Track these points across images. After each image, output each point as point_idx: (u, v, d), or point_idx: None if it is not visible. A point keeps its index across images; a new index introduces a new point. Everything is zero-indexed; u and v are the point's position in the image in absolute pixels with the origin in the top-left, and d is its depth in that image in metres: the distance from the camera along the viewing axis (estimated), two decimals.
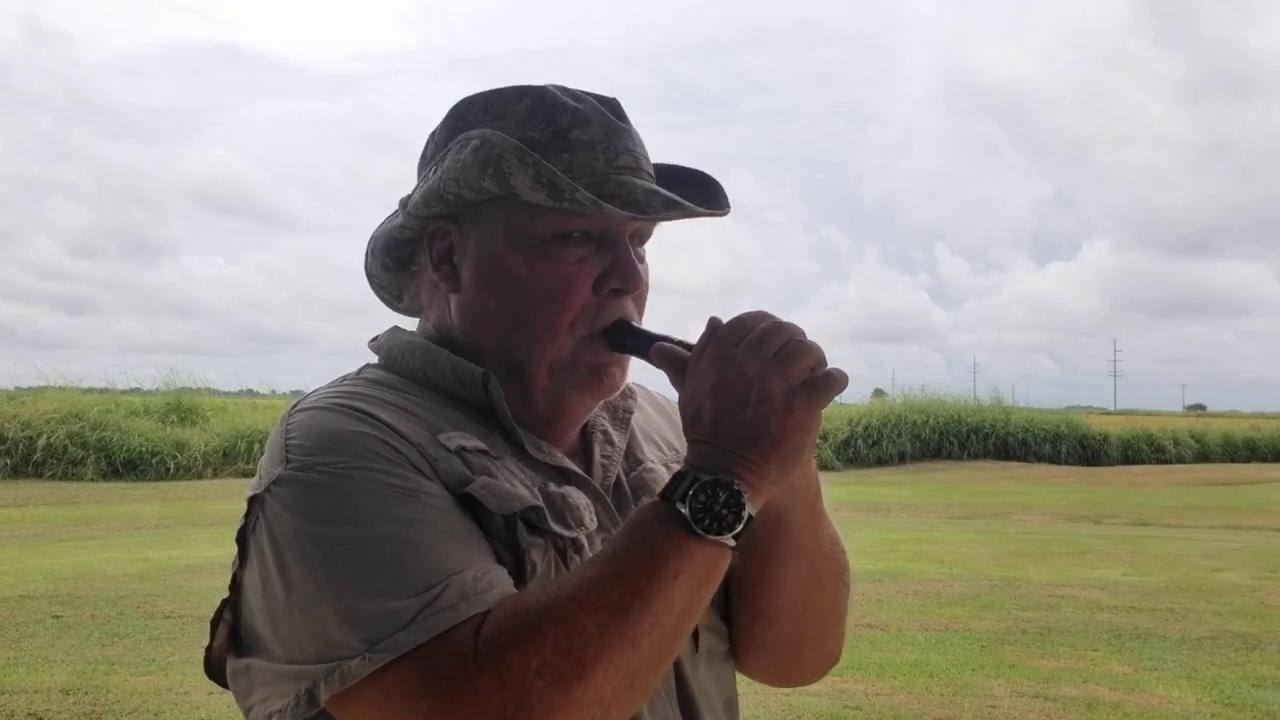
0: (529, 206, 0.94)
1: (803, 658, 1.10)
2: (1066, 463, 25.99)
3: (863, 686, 5.12)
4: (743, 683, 1.10)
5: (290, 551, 0.82)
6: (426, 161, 1.01)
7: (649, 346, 0.94)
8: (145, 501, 14.73)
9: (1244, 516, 14.15)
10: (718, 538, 0.82)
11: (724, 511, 0.82)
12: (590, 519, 0.93)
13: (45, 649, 5.64)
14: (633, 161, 0.97)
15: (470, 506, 0.87)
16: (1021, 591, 7.66)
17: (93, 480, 17.51)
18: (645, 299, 1.01)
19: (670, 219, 0.95)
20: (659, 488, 0.99)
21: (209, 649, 0.89)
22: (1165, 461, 27.07)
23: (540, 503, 0.90)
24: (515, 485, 0.90)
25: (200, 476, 18.26)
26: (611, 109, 0.98)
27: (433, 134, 1.02)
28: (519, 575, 0.86)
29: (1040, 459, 26.01)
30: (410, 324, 1.08)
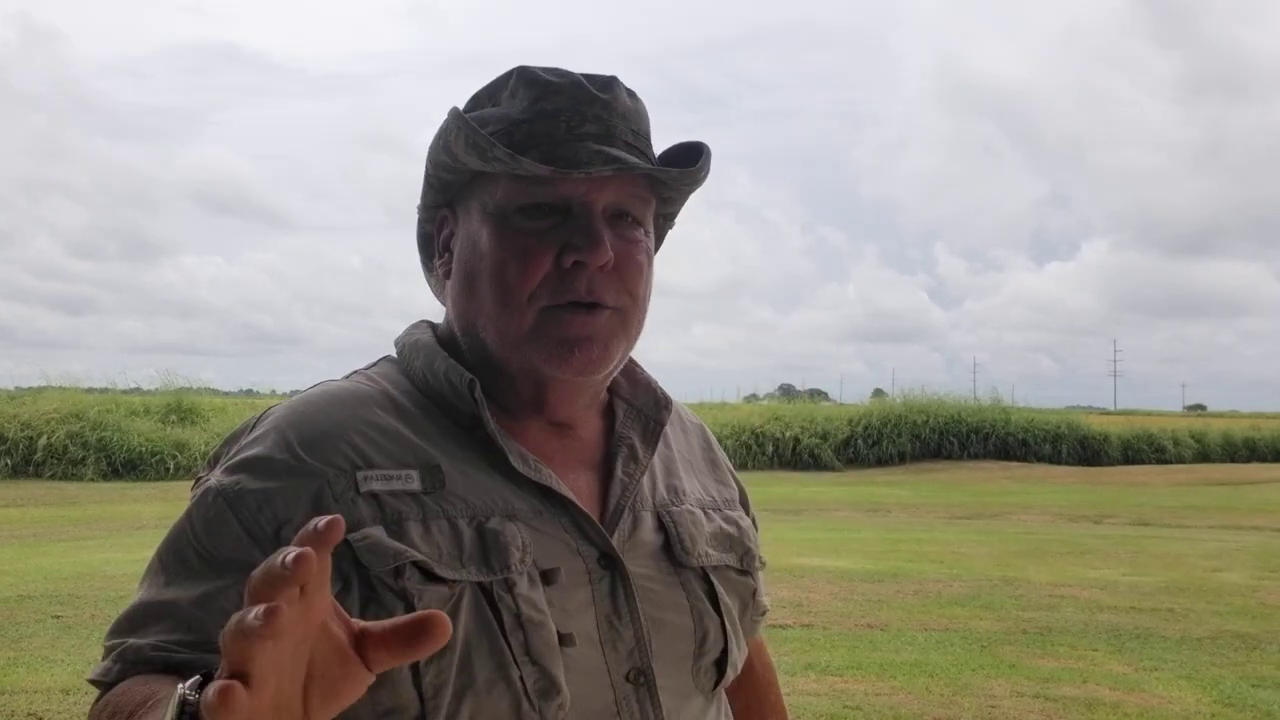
0: (495, 180, 0.94)
1: None
2: (1066, 463, 25.98)
3: (862, 686, 5.11)
4: None
5: None
6: None
7: None
8: (145, 501, 14.72)
9: (1244, 516, 14.14)
10: None
11: None
12: (520, 561, 0.88)
13: (45, 649, 5.63)
14: (600, 129, 0.93)
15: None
16: (1021, 592, 7.65)
17: (93, 480, 17.52)
18: (636, 278, 0.96)
19: (604, 175, 0.91)
20: (690, 539, 1.00)
21: None
22: (1165, 461, 27.05)
23: (430, 552, 0.86)
24: (432, 529, 0.87)
25: None
26: (598, 84, 0.96)
27: None
28: None
29: (1040, 459, 26.00)
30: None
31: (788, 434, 24.64)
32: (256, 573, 0.54)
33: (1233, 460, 28.21)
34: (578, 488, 0.96)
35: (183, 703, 0.63)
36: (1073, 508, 15.33)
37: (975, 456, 25.69)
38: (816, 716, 4.64)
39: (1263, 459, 28.57)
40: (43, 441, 17.77)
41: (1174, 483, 21.41)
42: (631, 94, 0.98)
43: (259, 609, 0.52)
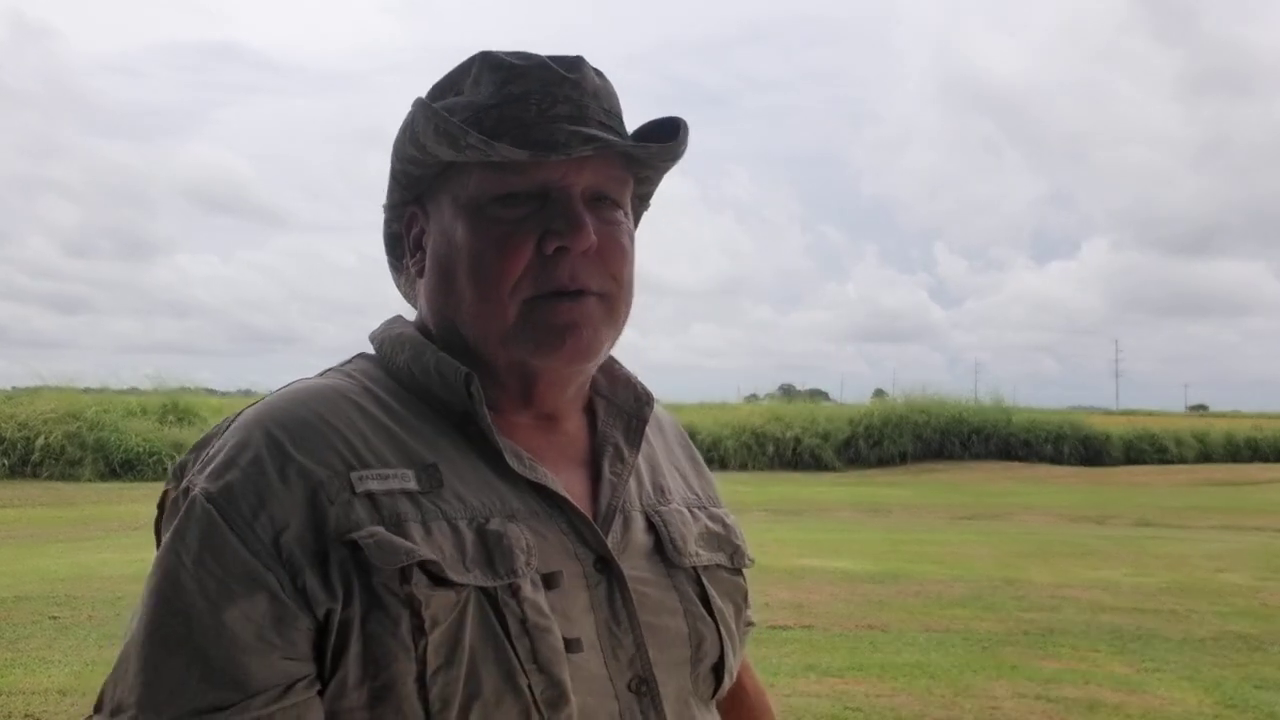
0: (466, 171, 0.90)
1: None
2: (1068, 463, 26.00)
3: (863, 687, 5.09)
4: None
5: None
6: None
7: None
8: (143, 502, 14.70)
9: (1246, 517, 14.15)
10: None
11: None
12: (525, 564, 0.84)
13: (42, 650, 5.61)
14: (573, 110, 0.90)
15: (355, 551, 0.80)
16: (1023, 592, 7.64)
17: (90, 480, 17.52)
18: (620, 261, 0.93)
19: (584, 155, 0.88)
20: (681, 539, 0.96)
21: None
22: (1167, 462, 27.08)
23: (436, 554, 0.81)
24: (433, 531, 0.83)
25: None
26: (565, 64, 0.92)
27: None
28: (418, 629, 0.79)
29: (1042, 459, 26.02)
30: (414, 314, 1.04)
31: (788, 434, 24.66)
32: None
33: (1235, 460, 28.23)
34: (569, 487, 0.92)
35: None
36: (1074, 508, 15.33)
37: (977, 457, 25.72)
38: (817, 718, 4.62)
39: (1265, 459, 28.59)
40: (40, 442, 17.78)
41: (1176, 483, 21.42)
42: (599, 73, 0.95)
43: None
